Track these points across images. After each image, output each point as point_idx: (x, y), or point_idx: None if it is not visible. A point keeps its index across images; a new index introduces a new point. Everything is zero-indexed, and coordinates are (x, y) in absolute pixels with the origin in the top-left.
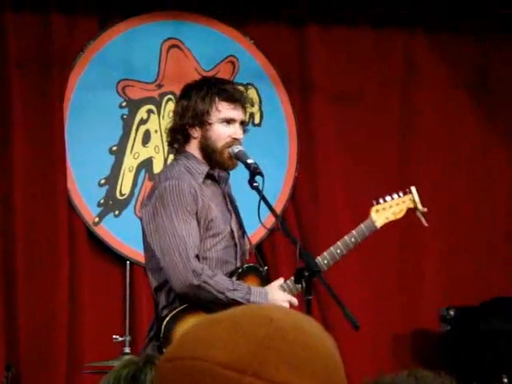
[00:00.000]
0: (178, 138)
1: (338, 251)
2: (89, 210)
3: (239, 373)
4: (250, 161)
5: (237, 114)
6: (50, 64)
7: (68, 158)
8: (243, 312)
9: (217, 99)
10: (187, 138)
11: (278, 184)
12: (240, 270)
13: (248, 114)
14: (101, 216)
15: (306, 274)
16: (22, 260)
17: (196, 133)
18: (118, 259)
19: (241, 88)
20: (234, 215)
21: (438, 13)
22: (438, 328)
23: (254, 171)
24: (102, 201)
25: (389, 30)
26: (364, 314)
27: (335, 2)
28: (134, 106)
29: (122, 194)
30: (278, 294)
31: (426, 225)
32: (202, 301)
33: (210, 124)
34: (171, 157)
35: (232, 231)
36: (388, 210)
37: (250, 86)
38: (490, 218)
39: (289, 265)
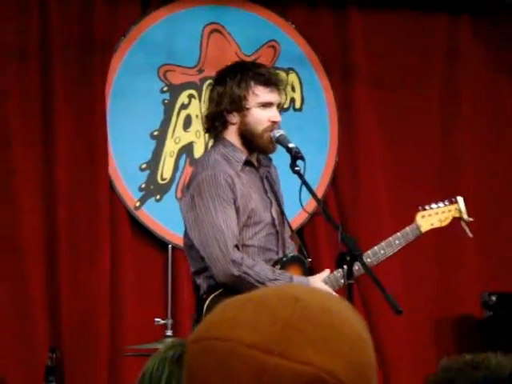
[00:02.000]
0: (215, 124)
1: (382, 251)
2: (130, 194)
3: (265, 353)
4: (291, 145)
5: (273, 96)
6: (92, 49)
7: (109, 143)
8: (269, 292)
9: (252, 83)
10: (225, 125)
11: (319, 169)
12: (284, 259)
13: (289, 99)
14: (142, 200)
15: (348, 258)
16: (64, 245)
17: (234, 119)
18: (160, 243)
19: (276, 70)
20: (274, 202)
21: None
22: (479, 314)
23: (295, 155)
24: (143, 185)
25: (431, 14)
26: (404, 299)
27: None
28: (175, 90)
29: (163, 179)
30: (320, 286)
31: (470, 236)
32: (243, 290)
33: (247, 109)
34: (212, 142)
35: (273, 219)
36: (434, 217)
37: (291, 71)
38: None
39: (329, 249)
